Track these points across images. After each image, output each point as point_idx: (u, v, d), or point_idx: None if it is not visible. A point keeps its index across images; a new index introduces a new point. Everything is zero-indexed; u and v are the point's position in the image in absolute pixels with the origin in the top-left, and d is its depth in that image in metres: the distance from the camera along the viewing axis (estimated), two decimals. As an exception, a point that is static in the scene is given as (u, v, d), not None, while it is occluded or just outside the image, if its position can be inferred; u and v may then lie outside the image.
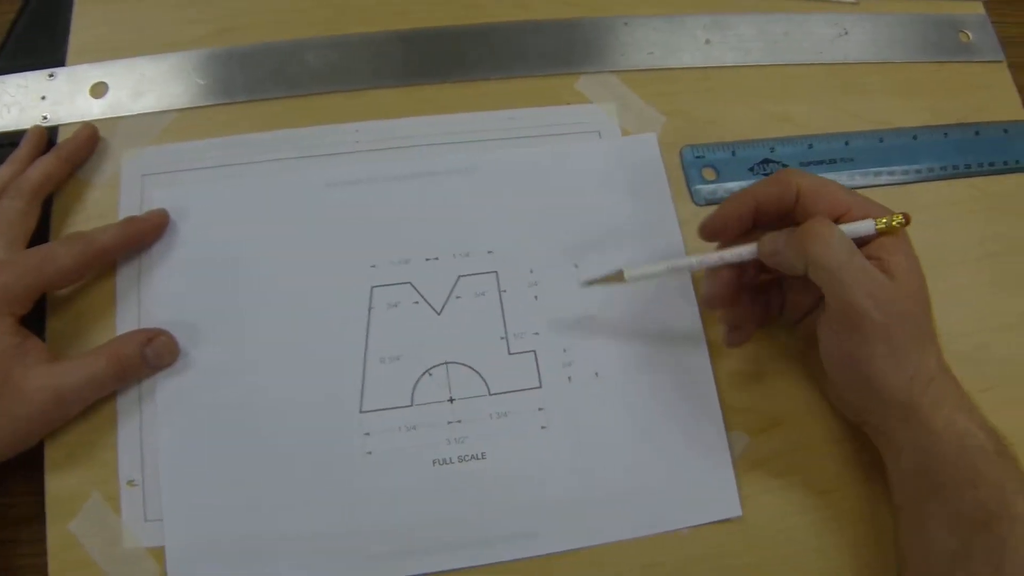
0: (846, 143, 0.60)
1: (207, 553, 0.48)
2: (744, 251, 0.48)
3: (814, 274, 0.45)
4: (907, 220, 0.46)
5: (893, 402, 0.45)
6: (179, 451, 0.50)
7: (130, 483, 0.50)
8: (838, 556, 0.51)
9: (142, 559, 0.48)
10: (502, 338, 0.54)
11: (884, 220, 0.47)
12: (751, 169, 0.59)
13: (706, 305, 0.52)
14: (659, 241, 0.57)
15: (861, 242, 0.46)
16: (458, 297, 0.55)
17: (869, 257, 0.46)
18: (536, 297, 0.55)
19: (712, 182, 0.59)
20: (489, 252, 0.56)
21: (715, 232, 0.50)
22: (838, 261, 0.44)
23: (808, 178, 0.48)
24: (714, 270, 0.50)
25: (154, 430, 0.50)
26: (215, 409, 0.51)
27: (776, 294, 0.53)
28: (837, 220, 0.47)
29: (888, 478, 0.48)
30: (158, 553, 0.48)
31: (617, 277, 0.49)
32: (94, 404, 0.50)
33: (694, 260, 0.50)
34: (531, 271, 0.56)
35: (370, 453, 0.51)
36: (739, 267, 0.49)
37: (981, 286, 0.59)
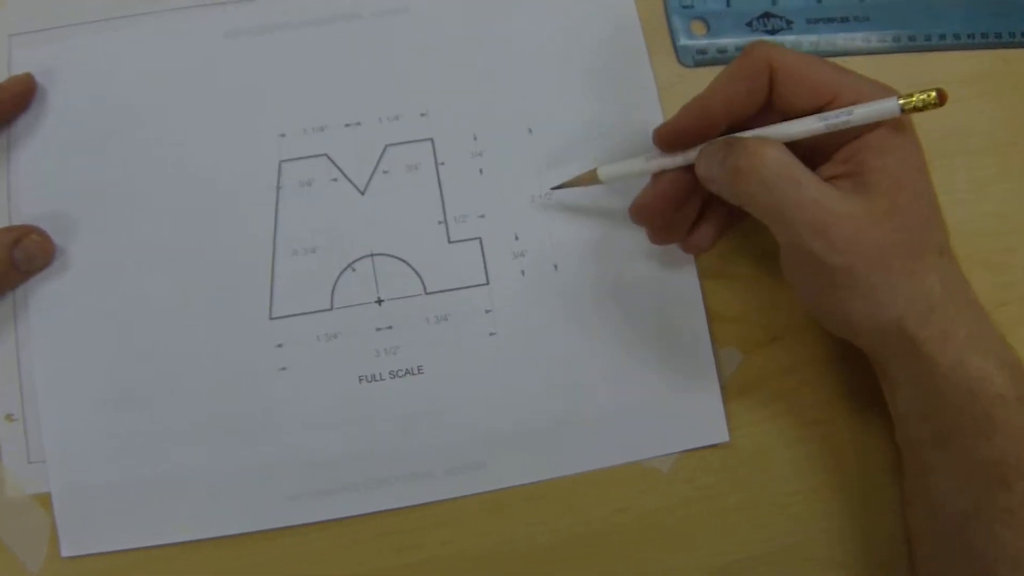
0: None
1: (100, 501, 0.43)
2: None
3: (754, 213, 0.38)
4: (942, 98, 0.36)
5: (882, 339, 0.38)
6: (58, 375, 0.44)
7: (8, 417, 0.44)
8: (831, 498, 0.45)
9: (29, 509, 0.44)
10: (440, 223, 0.46)
11: (911, 98, 0.36)
12: (749, 24, 0.49)
13: (636, 218, 0.43)
14: (632, 105, 0.47)
15: (851, 134, 0.38)
16: (385, 172, 0.46)
17: (845, 162, 0.38)
18: (481, 171, 0.46)
19: (702, 37, 0.49)
20: (423, 115, 0.47)
21: (671, 143, 0.41)
22: (776, 199, 0.37)
23: (784, 55, 0.39)
24: (657, 176, 0.42)
25: (30, 351, 0.44)
26: (98, 320, 0.44)
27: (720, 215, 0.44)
28: (822, 107, 0.38)
29: (891, 412, 0.41)
30: (46, 500, 0.43)
31: (590, 177, 0.43)
32: None
33: (680, 158, 0.41)
34: (475, 138, 0.47)
35: (283, 369, 0.44)
36: (691, 175, 0.41)
37: (1009, 178, 0.50)
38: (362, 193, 0.46)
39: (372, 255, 0.45)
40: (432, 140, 0.46)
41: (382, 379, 0.44)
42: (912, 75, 0.48)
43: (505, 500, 0.44)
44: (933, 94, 0.36)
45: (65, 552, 0.43)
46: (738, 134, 0.39)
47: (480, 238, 0.46)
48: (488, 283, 0.45)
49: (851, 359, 0.45)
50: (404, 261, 0.45)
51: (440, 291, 0.45)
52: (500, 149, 0.47)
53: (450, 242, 0.46)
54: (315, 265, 0.45)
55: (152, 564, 0.43)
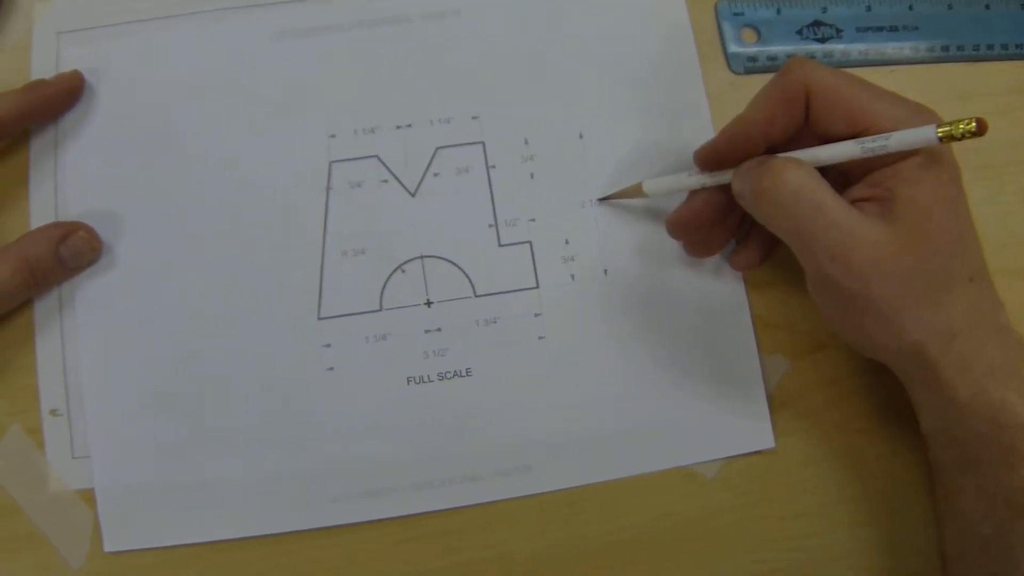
0: (910, 7, 0.50)
1: (144, 497, 0.43)
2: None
3: (776, 234, 0.38)
4: (980, 128, 0.34)
5: (903, 363, 0.38)
6: (104, 372, 0.44)
7: (53, 412, 0.44)
8: (874, 509, 0.45)
9: (72, 504, 0.43)
10: (491, 226, 0.45)
11: (949, 127, 0.35)
12: (799, 32, 0.49)
13: (671, 231, 0.44)
14: (682, 112, 0.47)
15: (886, 159, 0.37)
16: (436, 174, 0.46)
17: (875, 186, 0.37)
18: (532, 175, 0.46)
19: (753, 45, 0.49)
20: (474, 118, 0.46)
21: (711, 164, 0.41)
22: (795, 222, 0.36)
23: (821, 76, 0.38)
24: (695, 192, 0.42)
25: (76, 347, 0.44)
26: (144, 318, 0.44)
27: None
28: (858, 132, 0.37)
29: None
30: (90, 496, 0.43)
31: (635, 191, 0.43)
32: (5, 317, 0.44)
33: (720, 176, 0.41)
34: (526, 142, 0.46)
35: (331, 370, 0.44)
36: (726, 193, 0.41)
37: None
38: (412, 195, 0.46)
39: (422, 257, 0.45)
40: (483, 143, 0.46)
41: (430, 381, 0.44)
42: (960, 85, 0.48)
43: (550, 503, 0.44)
44: (972, 124, 0.34)
45: (108, 547, 0.42)
46: (773, 156, 0.38)
47: (530, 242, 0.46)
48: (538, 287, 0.45)
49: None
50: (454, 263, 0.45)
51: (490, 294, 0.45)
52: (551, 153, 0.46)
53: (500, 245, 0.45)
54: (365, 266, 0.45)
55: (195, 561, 0.43)
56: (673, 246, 0.45)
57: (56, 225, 0.44)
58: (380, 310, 0.45)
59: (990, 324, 0.37)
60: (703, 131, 0.47)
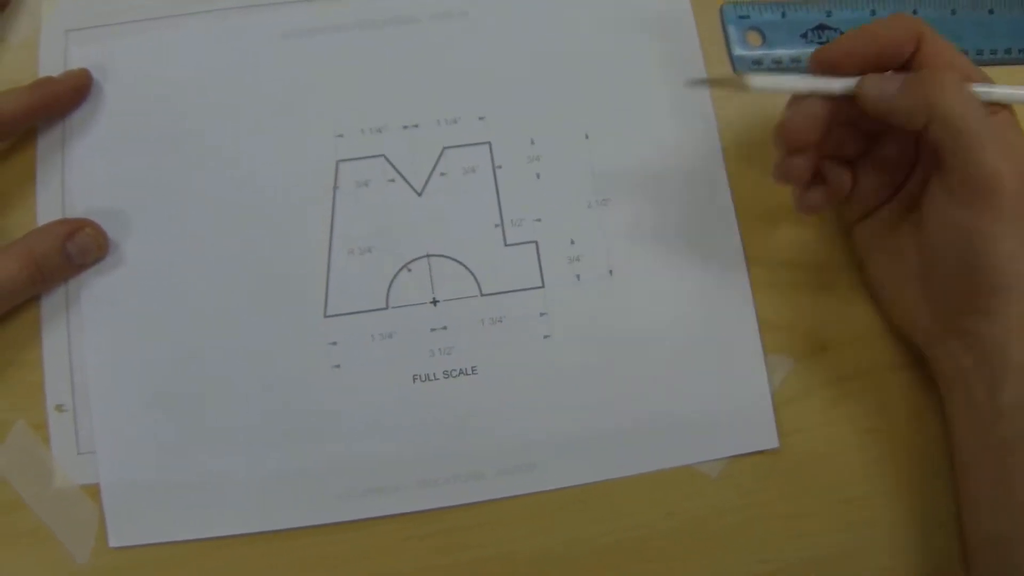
0: (913, 11, 0.50)
1: (149, 493, 0.43)
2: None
3: (940, 130, 0.37)
4: None
5: (1004, 304, 0.37)
6: (111, 369, 0.43)
7: (59, 408, 0.43)
8: (878, 508, 0.45)
9: (77, 500, 0.43)
10: (497, 226, 0.46)
11: None
12: (803, 35, 0.49)
13: (782, 137, 0.41)
14: (687, 114, 0.47)
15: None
16: (443, 174, 0.46)
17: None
18: (538, 175, 0.46)
19: (757, 48, 0.49)
20: (481, 118, 0.47)
21: (830, 65, 0.40)
22: (974, 117, 0.36)
23: (932, 31, 0.39)
24: (800, 98, 0.41)
25: (82, 343, 0.44)
26: (150, 315, 0.44)
27: (841, 175, 0.43)
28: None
29: (950, 430, 0.41)
30: (95, 491, 0.43)
31: (737, 82, 0.40)
32: (12, 313, 0.44)
33: (837, 84, 0.40)
34: (532, 142, 0.46)
35: (337, 367, 0.44)
36: (834, 107, 0.40)
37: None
38: (419, 194, 0.46)
39: (428, 256, 0.45)
40: (490, 143, 0.46)
41: (436, 379, 0.44)
42: None
43: (554, 502, 0.44)
44: None
45: (113, 543, 0.42)
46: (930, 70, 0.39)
47: (536, 242, 0.46)
48: (543, 286, 0.45)
49: (901, 368, 0.46)
50: (460, 263, 0.45)
51: (495, 293, 0.45)
52: (557, 154, 0.46)
53: (506, 245, 0.45)
54: (371, 264, 0.45)
55: (199, 556, 0.43)
56: (679, 248, 0.46)
57: (63, 222, 0.44)
58: (386, 308, 0.45)
59: None
60: (709, 133, 0.47)
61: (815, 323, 0.46)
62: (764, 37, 0.49)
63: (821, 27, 0.49)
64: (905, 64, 0.39)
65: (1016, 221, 0.36)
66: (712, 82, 0.44)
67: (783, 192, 0.45)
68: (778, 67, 0.48)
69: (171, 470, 0.43)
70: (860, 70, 0.39)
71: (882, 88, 0.38)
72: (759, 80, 0.39)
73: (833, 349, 0.46)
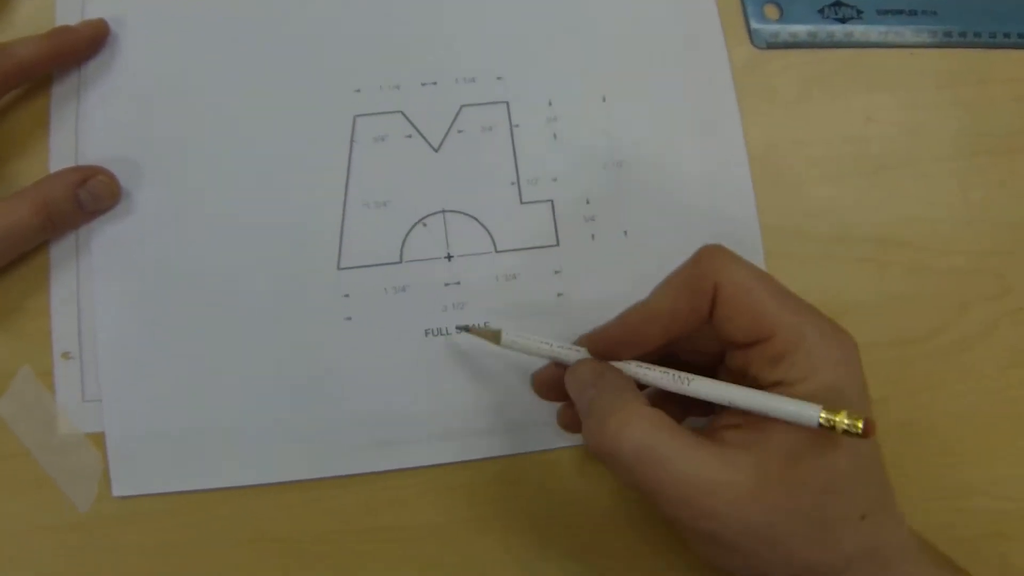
0: None
1: (154, 442, 0.42)
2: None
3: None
4: (868, 430, 0.31)
5: None
6: (119, 317, 0.43)
7: (65, 355, 0.43)
8: None
9: (82, 448, 0.42)
10: (513, 184, 0.45)
11: (836, 417, 0.31)
12: (820, 11, 0.49)
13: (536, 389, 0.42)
14: (706, 81, 0.48)
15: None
16: (460, 131, 0.46)
17: (748, 412, 0.34)
18: (555, 135, 0.46)
19: (775, 22, 0.49)
20: (499, 78, 0.47)
21: (603, 352, 0.37)
22: (635, 480, 0.33)
23: (733, 273, 0.35)
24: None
25: (91, 291, 0.43)
26: (161, 264, 0.44)
27: None
28: (757, 341, 0.34)
29: None
30: (100, 440, 0.42)
31: (492, 336, 0.39)
32: (21, 259, 0.43)
33: (574, 356, 0.38)
34: (550, 103, 0.47)
35: (349, 319, 0.44)
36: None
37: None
38: (436, 151, 0.46)
39: (444, 211, 0.45)
40: (507, 103, 0.46)
41: (448, 334, 0.44)
42: (979, 70, 0.48)
43: (567, 458, 0.44)
44: (859, 423, 0.31)
45: (116, 492, 0.42)
46: (617, 392, 0.35)
47: (552, 200, 0.46)
48: (558, 244, 0.45)
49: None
50: (475, 219, 0.45)
51: (510, 250, 0.45)
52: (574, 115, 0.46)
53: (522, 203, 0.45)
54: (386, 218, 0.45)
55: (203, 507, 0.42)
56: (694, 209, 0.46)
57: (75, 169, 0.43)
58: (400, 262, 0.44)
59: (898, 554, 0.34)
60: (726, 101, 0.47)
61: (827, 294, 0.46)
62: (782, 11, 0.49)
63: (838, 3, 0.49)
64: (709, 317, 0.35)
65: (729, 554, 0.33)
66: (475, 333, 0.40)
67: (800, 153, 0.45)
68: (794, 40, 0.49)
69: (177, 419, 0.42)
70: (640, 348, 0.36)
71: (576, 396, 0.36)
72: (511, 339, 0.39)
73: (851, 314, 0.45)
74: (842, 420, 0.31)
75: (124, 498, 0.42)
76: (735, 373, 0.35)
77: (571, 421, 0.41)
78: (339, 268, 0.44)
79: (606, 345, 0.37)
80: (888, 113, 0.48)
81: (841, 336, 0.34)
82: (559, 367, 0.39)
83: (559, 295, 0.44)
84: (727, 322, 0.34)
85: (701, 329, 0.36)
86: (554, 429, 0.42)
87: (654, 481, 0.32)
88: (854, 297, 0.46)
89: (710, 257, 0.35)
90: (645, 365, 0.36)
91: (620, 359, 0.37)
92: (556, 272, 0.45)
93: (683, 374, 0.35)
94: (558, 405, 0.42)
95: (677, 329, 0.36)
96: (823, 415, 0.31)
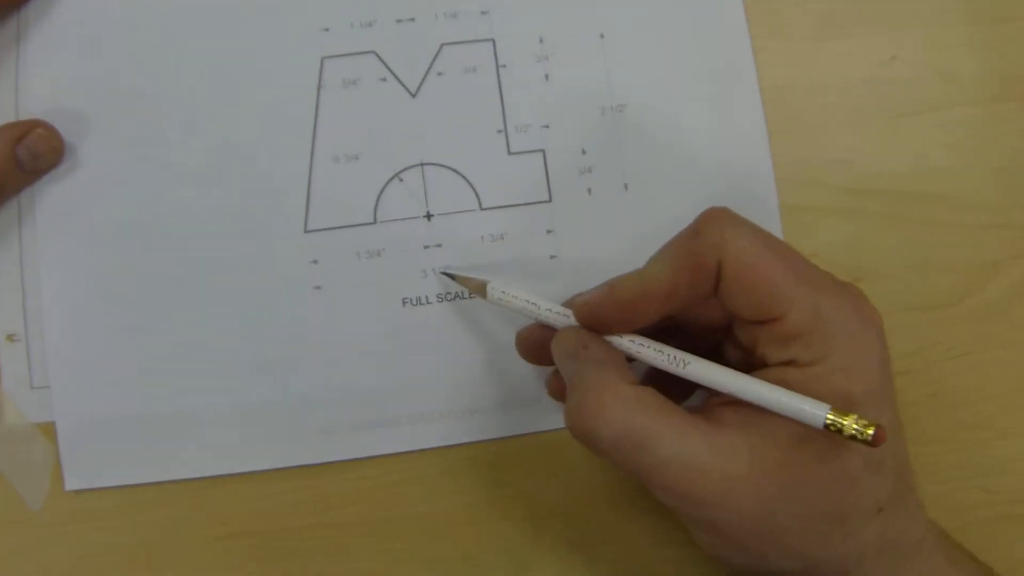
0: None
1: (109, 430, 0.40)
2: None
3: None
4: (878, 439, 0.28)
5: None
6: (68, 292, 0.41)
7: (10, 338, 0.41)
8: None
9: (31, 439, 0.41)
10: (500, 132, 0.42)
11: (844, 421, 0.29)
12: None
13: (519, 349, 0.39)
14: (714, 17, 0.44)
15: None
16: (440, 74, 0.42)
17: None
18: (547, 76, 0.43)
19: None
20: (484, 13, 0.43)
21: (591, 323, 0.34)
22: (619, 463, 0.31)
23: (739, 245, 0.32)
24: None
25: (36, 263, 0.41)
26: (111, 229, 0.41)
27: None
28: (767, 320, 0.31)
29: None
30: (50, 430, 0.40)
31: (479, 287, 0.38)
32: None
33: (561, 320, 0.36)
34: (541, 40, 0.43)
35: (318, 288, 0.41)
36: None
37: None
38: (413, 96, 0.42)
39: (422, 164, 0.42)
40: (493, 41, 0.43)
41: (428, 302, 0.41)
42: (1007, 4, 0.45)
43: (561, 441, 0.41)
44: (870, 431, 0.28)
45: (69, 486, 0.40)
46: (600, 370, 0.32)
47: (543, 151, 0.42)
48: (551, 200, 0.42)
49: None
50: (458, 172, 0.42)
51: (497, 207, 0.42)
52: (568, 54, 0.43)
53: (510, 154, 0.42)
54: (358, 174, 0.42)
55: (165, 501, 0.40)
56: (701, 160, 0.42)
57: (11, 125, 0.40)
58: (374, 223, 0.41)
59: (911, 548, 0.33)
60: (738, 39, 0.44)
61: (849, 254, 0.43)
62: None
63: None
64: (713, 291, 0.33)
65: (728, 546, 0.32)
66: (461, 281, 0.40)
67: (816, 101, 0.43)
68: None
69: (134, 404, 0.40)
70: (633, 324, 0.33)
71: (561, 366, 0.34)
72: (497, 293, 0.37)
73: (871, 278, 0.43)
74: (851, 424, 0.28)
75: (79, 492, 0.40)
76: (742, 347, 0.34)
77: (560, 388, 0.39)
78: (306, 231, 0.41)
79: (595, 321, 0.34)
80: (912, 54, 0.45)
81: (863, 311, 0.32)
82: (547, 329, 0.36)
83: (552, 257, 0.42)
84: (733, 299, 0.32)
85: (706, 305, 0.34)
86: (545, 408, 0.41)
87: (636, 467, 0.30)
88: (874, 257, 0.43)
89: (714, 223, 0.32)
90: (639, 340, 0.33)
91: (611, 334, 0.34)
92: (549, 231, 0.42)
93: (680, 354, 0.32)
94: (549, 377, 0.40)
95: (675, 307, 0.33)
96: (830, 417, 0.29)
